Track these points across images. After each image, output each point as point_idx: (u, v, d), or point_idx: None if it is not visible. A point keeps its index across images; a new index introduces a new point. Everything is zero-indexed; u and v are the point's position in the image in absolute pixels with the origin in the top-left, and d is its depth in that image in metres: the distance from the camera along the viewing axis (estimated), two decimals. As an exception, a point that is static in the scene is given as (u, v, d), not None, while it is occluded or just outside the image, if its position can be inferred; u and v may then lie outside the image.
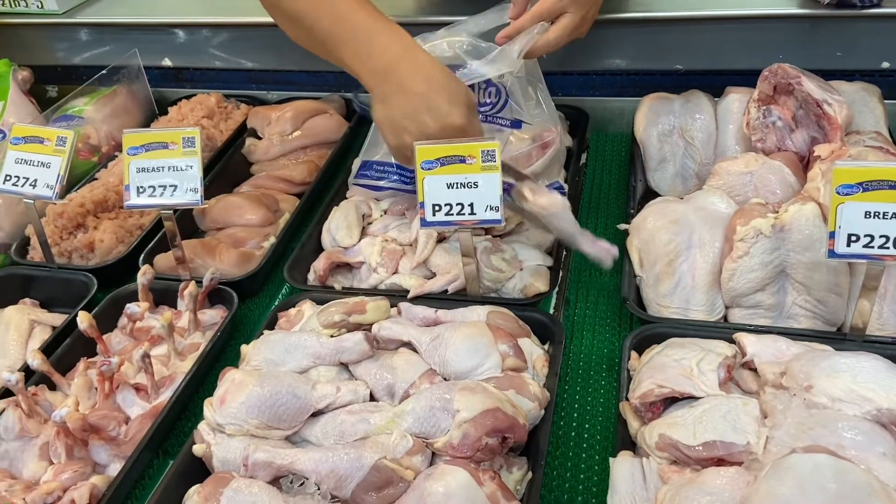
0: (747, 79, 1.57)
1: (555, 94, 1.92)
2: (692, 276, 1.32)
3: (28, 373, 1.28)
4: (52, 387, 1.31)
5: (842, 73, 1.64)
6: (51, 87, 2.29)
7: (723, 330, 1.24)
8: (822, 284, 1.24)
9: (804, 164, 1.47)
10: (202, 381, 1.35)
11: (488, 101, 1.57)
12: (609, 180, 1.77)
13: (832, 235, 1.10)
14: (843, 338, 1.20)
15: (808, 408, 1.02)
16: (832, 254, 1.11)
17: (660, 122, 1.63)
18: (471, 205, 1.27)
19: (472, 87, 1.45)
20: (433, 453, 1.08)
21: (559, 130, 1.59)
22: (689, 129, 1.60)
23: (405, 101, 1.25)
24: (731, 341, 1.18)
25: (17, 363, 1.39)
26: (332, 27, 1.29)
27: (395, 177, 1.60)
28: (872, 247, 1.09)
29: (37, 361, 1.28)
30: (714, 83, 1.68)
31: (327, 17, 1.29)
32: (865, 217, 1.08)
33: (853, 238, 1.09)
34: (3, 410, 1.24)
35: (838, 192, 1.08)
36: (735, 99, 1.60)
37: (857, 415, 1.00)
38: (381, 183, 1.62)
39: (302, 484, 1.08)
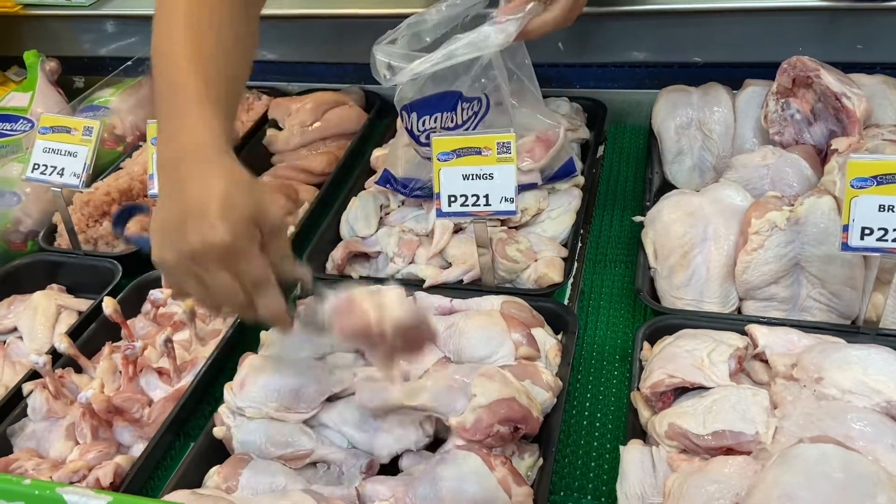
0: (766, 71, 1.56)
1: (572, 86, 1.94)
2: (706, 269, 1.33)
3: (55, 356, 1.32)
4: (79, 370, 1.35)
5: (862, 65, 1.63)
6: (77, 77, 2.33)
7: (735, 322, 1.24)
8: (837, 278, 1.24)
9: (822, 157, 1.47)
10: (222, 366, 1.38)
11: (472, 111, 1.46)
12: (626, 173, 1.78)
13: (846, 228, 1.10)
14: (857, 331, 1.21)
15: (817, 399, 1.02)
16: (845, 247, 1.11)
17: (677, 115, 1.63)
18: (486, 196, 1.29)
19: (447, 101, 1.42)
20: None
21: (563, 129, 1.55)
22: (707, 121, 1.60)
23: (176, 203, 0.95)
24: (744, 333, 1.19)
25: (45, 346, 1.43)
26: (160, 87, 1.03)
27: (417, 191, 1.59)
28: (886, 240, 1.09)
29: (64, 345, 1.31)
30: (733, 76, 1.67)
31: (164, 73, 1.03)
32: (879, 210, 1.08)
33: (867, 231, 1.09)
34: (31, 392, 1.28)
35: (852, 186, 1.09)
36: (753, 92, 1.60)
37: (867, 407, 1.00)
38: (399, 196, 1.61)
39: (328, 469, 1.12)
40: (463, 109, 1.45)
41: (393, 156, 1.62)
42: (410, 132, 1.49)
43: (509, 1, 1.33)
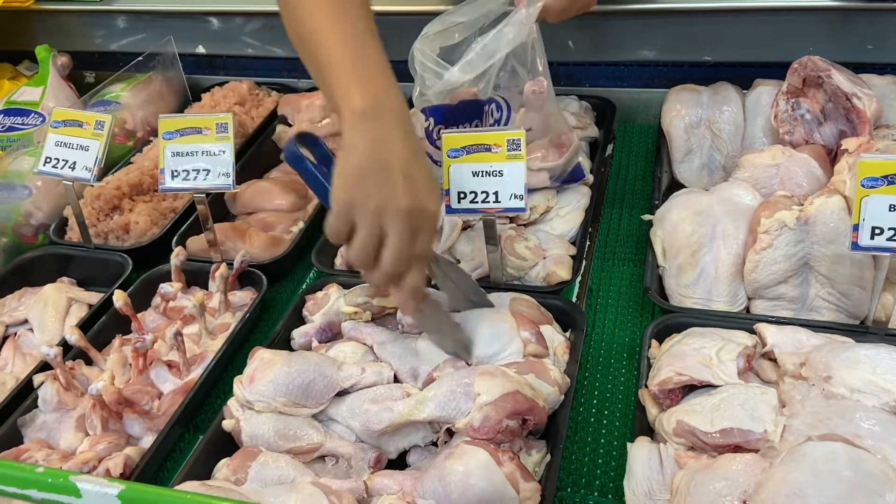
0: (777, 71, 1.57)
1: (582, 84, 1.94)
2: (715, 267, 1.33)
3: (66, 348, 1.33)
4: (89, 362, 1.36)
5: (873, 66, 1.63)
6: (88, 72, 2.34)
7: (744, 321, 1.24)
8: (846, 277, 1.23)
9: (832, 157, 1.47)
10: (232, 360, 1.39)
11: (493, 118, 1.50)
12: (635, 171, 1.78)
13: (856, 228, 1.11)
14: (866, 331, 1.21)
15: (826, 398, 1.02)
16: (855, 246, 1.11)
17: (687, 114, 1.63)
18: (495, 193, 1.29)
19: (478, 104, 1.42)
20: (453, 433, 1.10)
21: (574, 135, 1.57)
22: (717, 121, 1.60)
23: (381, 153, 1.01)
24: (752, 332, 1.19)
25: (56, 339, 1.43)
26: (333, 50, 1.09)
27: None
28: (896, 240, 1.09)
29: (74, 337, 1.32)
30: (743, 75, 1.67)
31: (337, 39, 1.09)
32: (890, 210, 1.08)
33: (877, 231, 1.09)
34: (42, 383, 1.29)
35: (863, 185, 1.09)
36: (764, 91, 1.60)
37: (876, 406, 1.00)
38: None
39: (336, 462, 1.12)
40: (485, 113, 1.46)
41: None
42: (428, 133, 1.49)
43: None
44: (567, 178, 1.56)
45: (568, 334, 1.29)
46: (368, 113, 1.03)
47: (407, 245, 1.00)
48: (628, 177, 1.76)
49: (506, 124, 1.51)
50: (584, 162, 1.63)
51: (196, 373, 1.31)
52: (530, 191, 1.49)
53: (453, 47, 1.41)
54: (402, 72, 1.45)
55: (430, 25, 1.40)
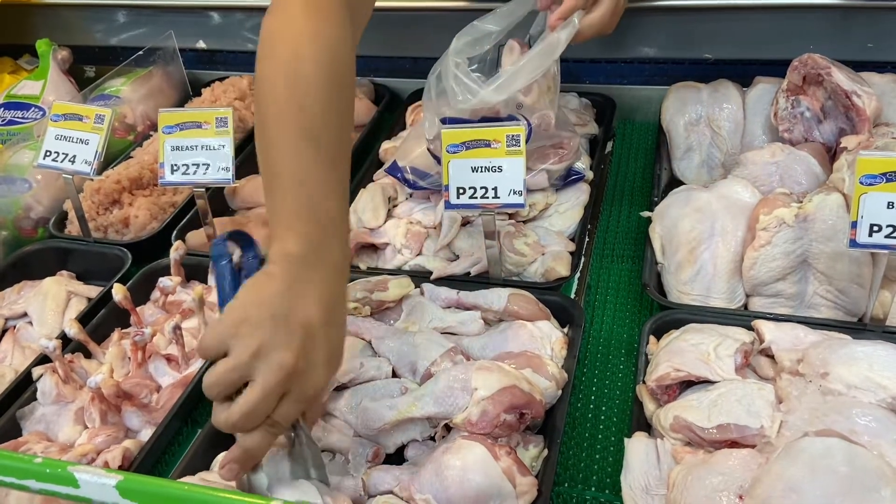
0: (777, 69, 1.57)
1: (582, 81, 1.94)
2: (714, 264, 1.33)
3: (65, 341, 1.33)
4: (88, 355, 1.36)
5: (874, 64, 1.62)
6: (89, 67, 2.34)
7: (742, 317, 1.24)
8: (845, 275, 1.24)
9: (831, 155, 1.47)
10: (230, 354, 1.39)
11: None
12: (634, 168, 1.78)
13: (854, 225, 1.11)
14: (863, 328, 1.21)
15: (823, 394, 1.03)
16: (854, 243, 1.11)
17: (687, 111, 1.63)
18: (494, 188, 1.29)
19: (500, 121, 1.40)
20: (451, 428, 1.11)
21: (577, 140, 1.57)
22: (717, 118, 1.60)
23: (295, 304, 0.87)
24: (750, 329, 1.19)
25: (55, 332, 1.44)
26: (282, 163, 0.96)
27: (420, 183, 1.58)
28: (894, 237, 1.09)
29: (73, 330, 1.33)
30: (743, 73, 1.67)
31: (294, 164, 0.95)
32: (888, 207, 1.08)
33: (875, 228, 1.09)
34: (41, 376, 1.29)
35: (861, 183, 1.09)
36: (764, 89, 1.60)
37: (873, 402, 1.00)
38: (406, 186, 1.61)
39: (333, 457, 1.13)
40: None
41: (402, 148, 1.63)
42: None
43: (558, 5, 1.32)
44: (566, 182, 1.56)
45: (566, 330, 1.29)
46: (298, 261, 0.90)
47: (265, 401, 0.85)
48: (628, 174, 1.77)
49: (526, 142, 1.48)
50: (584, 159, 1.63)
51: (195, 367, 1.32)
52: (529, 189, 1.49)
53: (479, 55, 1.41)
54: (423, 69, 1.45)
55: (461, 35, 1.38)
